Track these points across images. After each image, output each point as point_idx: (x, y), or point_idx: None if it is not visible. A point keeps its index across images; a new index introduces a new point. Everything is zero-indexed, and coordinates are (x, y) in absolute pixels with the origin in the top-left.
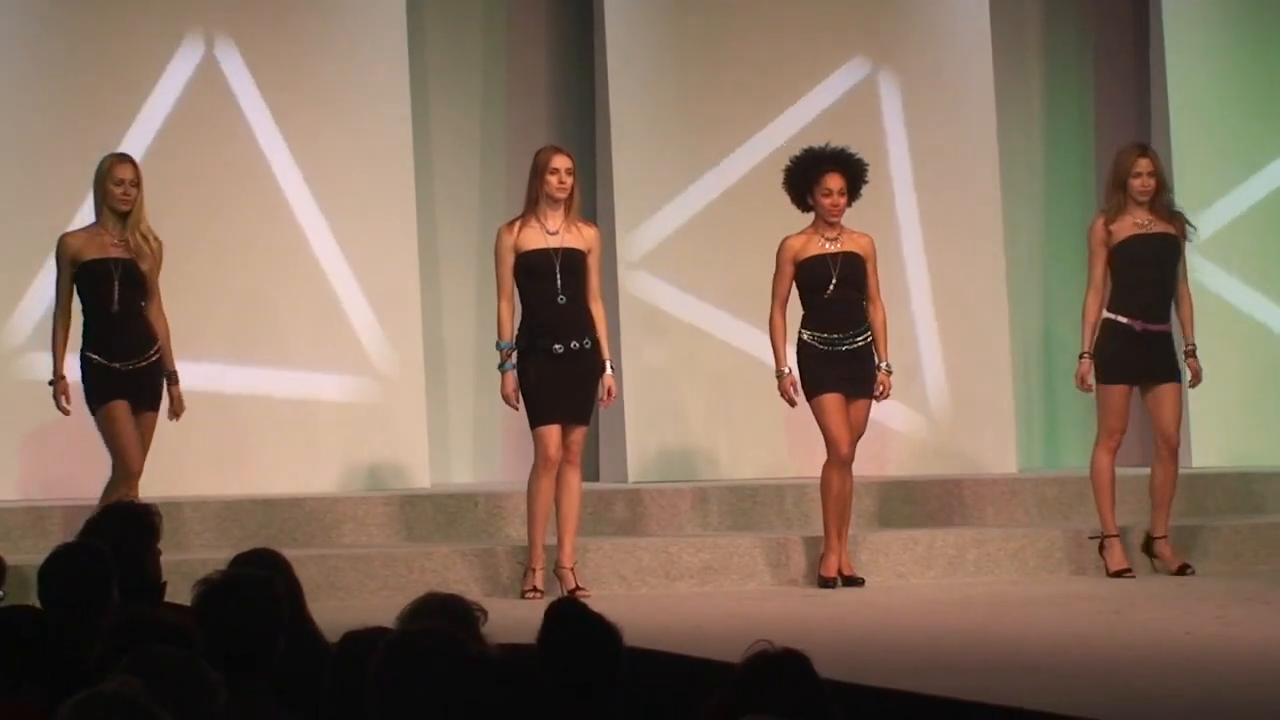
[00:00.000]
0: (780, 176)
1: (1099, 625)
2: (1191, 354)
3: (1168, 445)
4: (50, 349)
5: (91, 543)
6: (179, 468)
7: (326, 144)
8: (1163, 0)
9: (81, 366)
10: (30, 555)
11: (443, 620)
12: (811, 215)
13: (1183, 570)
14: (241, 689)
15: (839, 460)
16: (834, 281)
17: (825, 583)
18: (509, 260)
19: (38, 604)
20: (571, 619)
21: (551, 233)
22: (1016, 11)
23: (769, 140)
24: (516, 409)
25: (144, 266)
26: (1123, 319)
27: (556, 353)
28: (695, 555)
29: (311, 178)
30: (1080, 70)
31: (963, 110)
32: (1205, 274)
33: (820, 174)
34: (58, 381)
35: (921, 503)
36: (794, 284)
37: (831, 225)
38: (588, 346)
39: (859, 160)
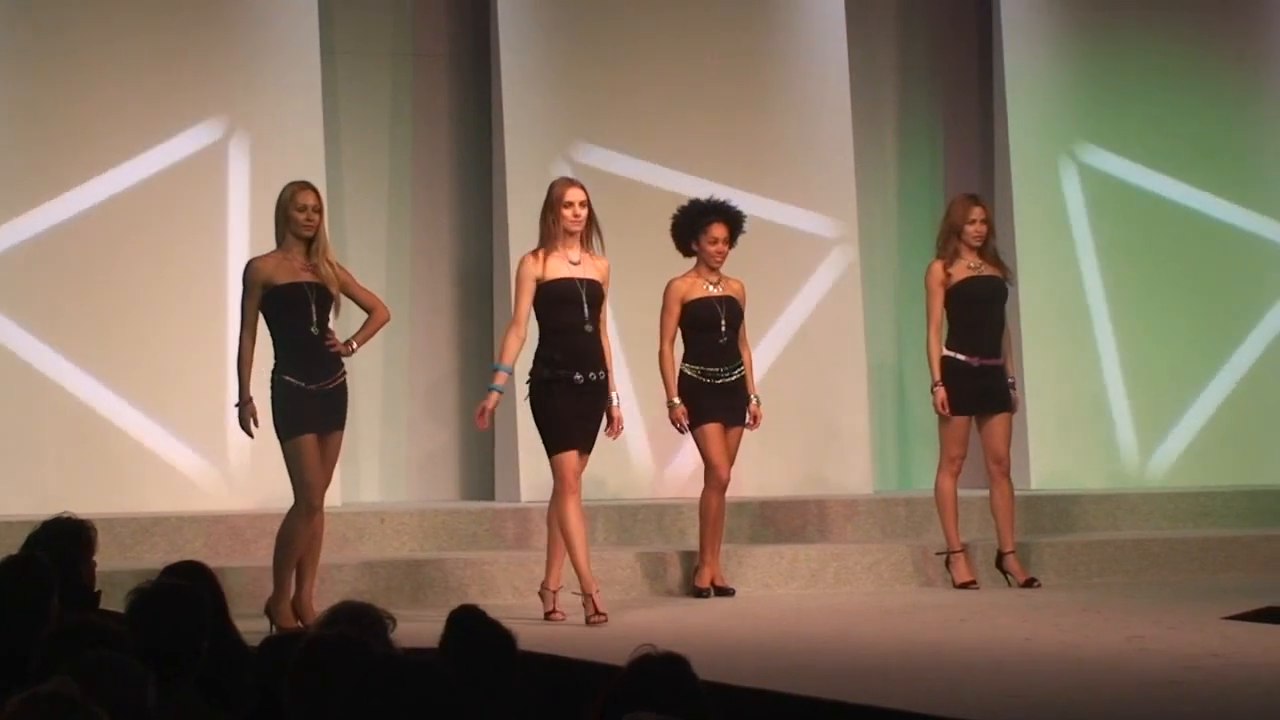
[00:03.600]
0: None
1: (946, 632)
2: (1012, 385)
3: (1000, 467)
4: (237, 370)
5: (34, 554)
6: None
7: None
8: (1005, 60)
9: (274, 390)
10: None
11: (354, 626)
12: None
13: (1030, 583)
14: (170, 688)
15: (718, 484)
16: (724, 324)
17: (699, 593)
18: (530, 289)
19: None
20: (470, 625)
21: (574, 263)
22: (872, 74)
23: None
24: (485, 428)
25: (332, 290)
26: (961, 356)
27: (578, 383)
28: None
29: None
30: (931, 130)
31: (827, 168)
32: (1043, 319)
33: (706, 223)
34: (246, 404)
35: (786, 521)
36: (678, 323)
37: (713, 270)
38: (601, 378)
39: (739, 212)
